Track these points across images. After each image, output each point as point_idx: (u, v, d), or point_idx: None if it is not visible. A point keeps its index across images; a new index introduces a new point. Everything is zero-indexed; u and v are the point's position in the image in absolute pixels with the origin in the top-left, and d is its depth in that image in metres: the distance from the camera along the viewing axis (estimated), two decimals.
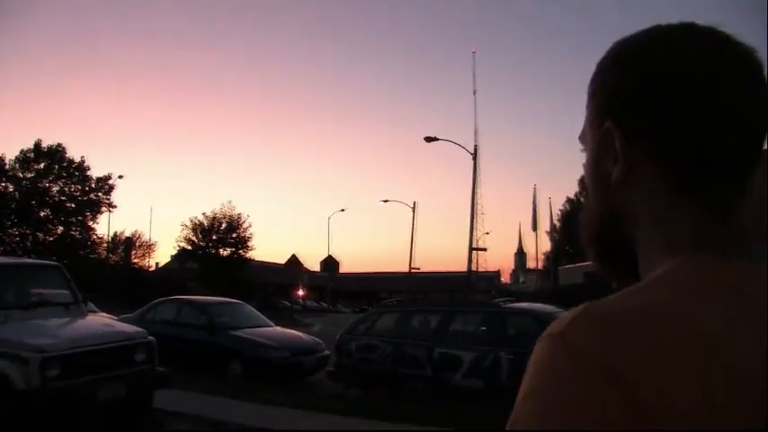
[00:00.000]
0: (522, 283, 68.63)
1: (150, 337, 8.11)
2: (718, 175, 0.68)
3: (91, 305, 14.65)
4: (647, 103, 0.69)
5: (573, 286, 36.20)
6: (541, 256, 63.52)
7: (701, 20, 0.71)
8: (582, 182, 0.73)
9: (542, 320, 9.67)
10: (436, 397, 9.96)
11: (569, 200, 61.52)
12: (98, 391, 7.14)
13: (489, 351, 9.87)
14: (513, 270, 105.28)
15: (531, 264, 71.84)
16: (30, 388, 6.65)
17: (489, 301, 22.47)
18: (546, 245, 65.34)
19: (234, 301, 15.35)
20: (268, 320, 14.68)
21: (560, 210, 62.19)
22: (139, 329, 8.41)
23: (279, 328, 14.21)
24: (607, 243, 0.78)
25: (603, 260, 0.80)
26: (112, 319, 11.47)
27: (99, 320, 8.52)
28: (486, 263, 68.16)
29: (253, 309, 15.39)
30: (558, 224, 58.95)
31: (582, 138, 0.81)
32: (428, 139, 33.62)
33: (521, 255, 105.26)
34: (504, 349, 9.72)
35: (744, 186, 0.70)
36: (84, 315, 8.41)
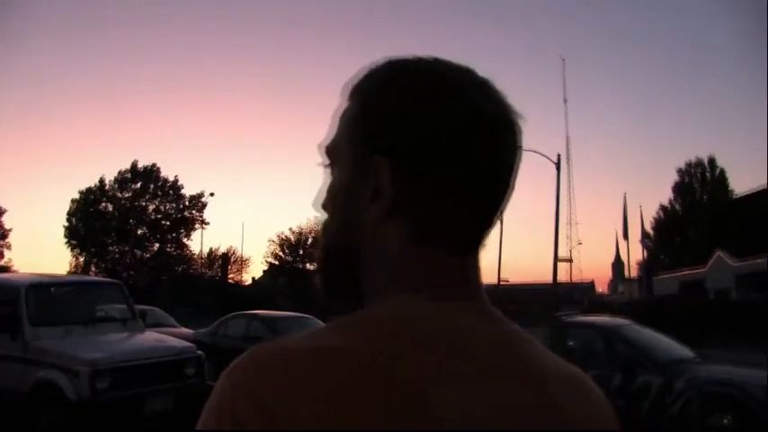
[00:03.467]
0: (621, 293, 66.11)
1: (200, 352, 8.39)
2: (463, 224, 0.71)
3: (164, 315, 15.42)
4: (425, 147, 0.69)
5: (667, 296, 34.70)
6: (635, 266, 61.29)
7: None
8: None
9: (604, 334, 9.42)
10: None
11: (662, 207, 59.17)
12: (146, 404, 7.45)
13: None
14: (612, 280, 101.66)
15: (627, 273, 69.23)
16: (81, 399, 7.02)
17: (556, 314, 21.84)
18: (639, 254, 63.06)
19: (303, 315, 15.51)
20: None
21: (654, 217, 59.86)
22: (189, 344, 8.72)
23: None
24: (339, 273, 0.75)
25: (329, 289, 0.77)
26: (169, 334, 11.73)
27: (151, 336, 8.85)
28: (582, 273, 66.13)
29: (321, 323, 15.47)
30: (651, 232, 56.70)
31: (331, 151, 0.77)
32: None
33: (618, 264, 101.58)
34: None
35: (483, 236, 0.73)
36: (140, 330, 8.79)
